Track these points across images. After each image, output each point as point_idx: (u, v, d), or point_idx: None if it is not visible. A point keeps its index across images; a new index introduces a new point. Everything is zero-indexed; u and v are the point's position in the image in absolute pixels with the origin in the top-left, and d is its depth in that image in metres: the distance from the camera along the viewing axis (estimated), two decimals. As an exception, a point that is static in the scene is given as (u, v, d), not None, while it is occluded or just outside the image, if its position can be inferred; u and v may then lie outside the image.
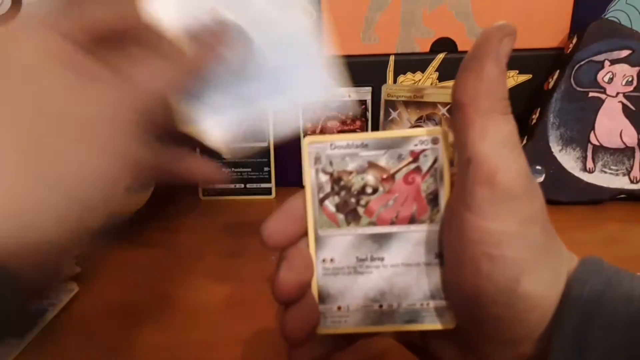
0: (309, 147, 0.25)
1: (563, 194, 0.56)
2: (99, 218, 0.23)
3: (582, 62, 0.54)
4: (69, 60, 0.23)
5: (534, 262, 0.21)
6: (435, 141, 0.24)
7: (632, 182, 0.56)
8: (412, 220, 0.25)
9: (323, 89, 0.25)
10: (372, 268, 0.25)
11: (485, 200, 0.21)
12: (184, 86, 0.27)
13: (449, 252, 0.23)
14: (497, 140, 0.21)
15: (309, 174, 0.25)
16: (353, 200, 0.25)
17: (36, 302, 0.22)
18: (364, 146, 0.25)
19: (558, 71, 0.56)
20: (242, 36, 0.26)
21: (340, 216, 0.25)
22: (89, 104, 0.23)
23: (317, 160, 0.25)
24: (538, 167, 0.56)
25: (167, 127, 0.27)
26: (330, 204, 0.25)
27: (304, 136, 0.27)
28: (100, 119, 0.23)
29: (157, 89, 0.26)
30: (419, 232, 0.25)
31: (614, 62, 0.54)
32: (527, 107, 0.59)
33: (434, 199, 0.24)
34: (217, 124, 0.27)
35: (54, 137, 0.22)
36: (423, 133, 0.24)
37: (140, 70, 0.25)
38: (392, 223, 0.25)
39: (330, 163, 0.25)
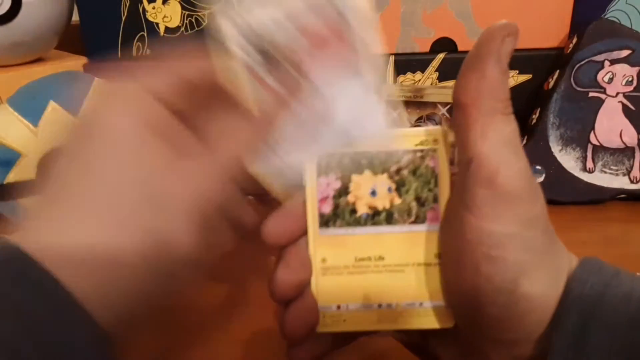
0: None
1: (563, 194, 0.56)
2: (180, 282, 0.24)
3: (582, 62, 0.54)
4: (164, 130, 0.23)
5: (533, 264, 0.21)
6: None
7: (632, 182, 0.56)
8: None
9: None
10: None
11: (485, 202, 0.21)
12: (260, 144, 0.26)
13: (448, 252, 0.23)
14: (498, 141, 0.21)
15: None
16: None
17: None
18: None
19: (558, 71, 0.56)
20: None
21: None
22: (181, 182, 0.23)
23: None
24: (538, 167, 0.56)
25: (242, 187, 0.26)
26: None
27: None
28: (190, 198, 0.23)
29: (242, 155, 0.25)
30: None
31: (614, 62, 0.54)
32: (527, 107, 0.59)
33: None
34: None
35: (146, 212, 0.22)
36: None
37: (225, 136, 0.25)
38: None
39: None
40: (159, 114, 0.23)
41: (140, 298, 0.22)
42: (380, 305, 0.25)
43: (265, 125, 0.25)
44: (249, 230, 0.27)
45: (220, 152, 0.24)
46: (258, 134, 0.25)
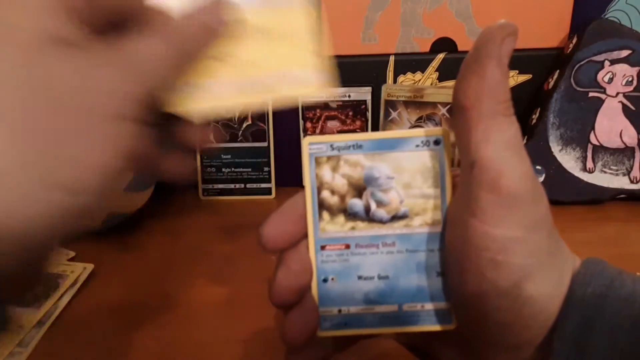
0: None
1: (563, 194, 0.56)
2: (95, 215, 0.20)
3: (582, 62, 0.54)
4: (73, 37, 0.20)
5: (538, 268, 0.21)
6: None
7: (632, 182, 0.56)
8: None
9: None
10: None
11: (489, 206, 0.21)
12: (185, 67, 0.24)
13: (452, 256, 0.23)
14: (500, 144, 0.21)
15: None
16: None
17: (11, 300, 0.20)
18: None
19: (558, 71, 0.56)
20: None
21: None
22: (92, 89, 0.20)
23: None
24: (538, 167, 0.56)
25: (161, 109, 0.24)
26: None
27: (304, 136, 0.27)
28: (103, 105, 0.20)
29: (162, 71, 0.22)
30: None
31: (614, 62, 0.54)
32: (527, 107, 0.59)
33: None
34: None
35: (52, 122, 0.19)
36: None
37: (144, 51, 0.22)
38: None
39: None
40: (65, 22, 0.20)
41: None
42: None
43: (192, 49, 0.23)
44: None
45: (139, 64, 0.21)
46: (184, 54, 0.23)
